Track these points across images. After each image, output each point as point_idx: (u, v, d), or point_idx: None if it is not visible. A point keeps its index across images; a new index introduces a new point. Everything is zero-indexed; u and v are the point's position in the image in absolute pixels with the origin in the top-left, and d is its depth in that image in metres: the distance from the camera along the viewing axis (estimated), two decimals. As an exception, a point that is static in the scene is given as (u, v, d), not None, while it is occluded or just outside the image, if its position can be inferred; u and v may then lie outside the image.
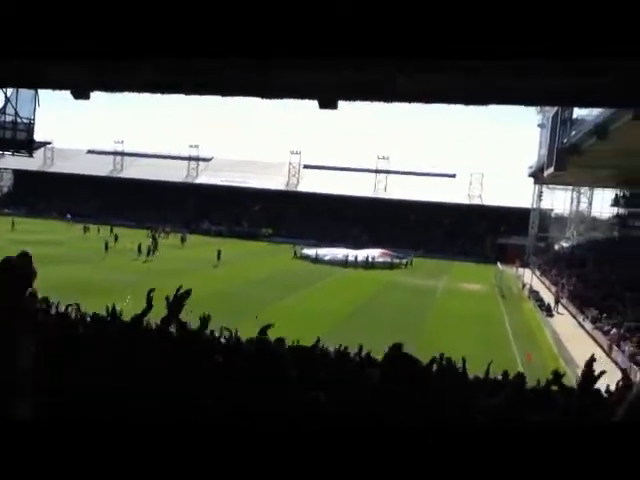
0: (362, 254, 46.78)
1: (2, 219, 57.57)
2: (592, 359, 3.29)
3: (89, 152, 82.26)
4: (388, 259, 47.51)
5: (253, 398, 1.91)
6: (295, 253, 48.77)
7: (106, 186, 73.42)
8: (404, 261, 48.16)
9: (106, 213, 66.33)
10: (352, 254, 46.82)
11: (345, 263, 45.05)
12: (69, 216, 62.60)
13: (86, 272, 30.88)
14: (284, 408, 1.57)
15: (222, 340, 7.79)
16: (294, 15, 1.21)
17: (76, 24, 1.27)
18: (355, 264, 44.80)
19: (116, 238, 43.66)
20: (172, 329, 3.29)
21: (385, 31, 1.18)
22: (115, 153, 77.62)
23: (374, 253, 47.87)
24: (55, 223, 60.14)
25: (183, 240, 50.60)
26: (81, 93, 6.88)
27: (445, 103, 5.12)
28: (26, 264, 2.41)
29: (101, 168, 75.68)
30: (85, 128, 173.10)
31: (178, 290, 3.26)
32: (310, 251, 48.50)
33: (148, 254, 39.37)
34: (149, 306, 3.62)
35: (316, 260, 46.10)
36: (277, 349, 2.77)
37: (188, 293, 3.28)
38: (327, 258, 46.49)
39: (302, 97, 6.64)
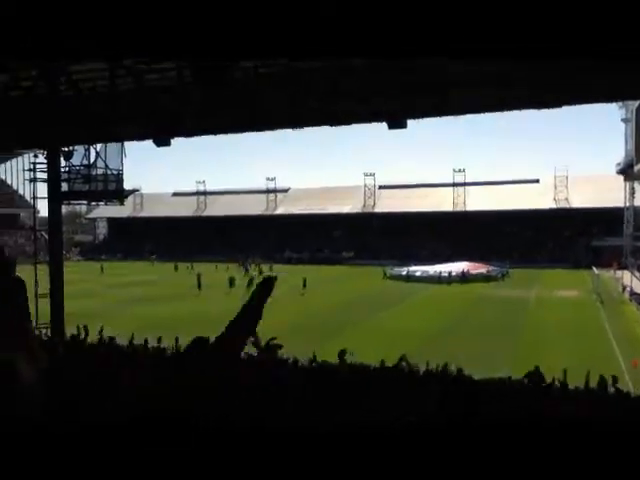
0: (455, 268, 45.42)
1: (96, 264, 61.48)
2: None
3: (174, 194, 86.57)
4: (483, 271, 46.00)
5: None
6: (385, 274, 47.83)
7: (191, 225, 76.78)
8: (499, 273, 46.42)
9: (193, 251, 69.14)
10: (445, 269, 45.44)
11: (439, 279, 43.70)
12: (154, 256, 65.95)
13: (184, 307, 32.22)
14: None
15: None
16: (276, 15, 1.25)
17: (84, 23, 1.32)
18: (449, 279, 43.33)
19: (198, 277, 43.02)
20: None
21: (371, 30, 1.22)
22: (198, 193, 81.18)
23: (466, 266, 46.43)
24: (143, 264, 63.38)
25: (261, 272, 51.38)
26: (162, 141, 7.35)
27: (516, 110, 5.05)
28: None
29: (186, 209, 79.37)
30: (169, 172, 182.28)
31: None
32: (401, 270, 47.75)
33: (231, 285, 40.23)
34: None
35: (408, 278, 45.13)
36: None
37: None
38: (419, 275, 45.53)
39: (370, 120, 6.75)
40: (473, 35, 1.18)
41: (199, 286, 39.89)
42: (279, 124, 6.70)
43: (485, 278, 44.55)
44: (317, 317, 28.45)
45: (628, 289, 35.78)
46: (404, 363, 6.99)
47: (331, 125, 6.73)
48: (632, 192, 55.87)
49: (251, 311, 1.46)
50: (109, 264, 65.63)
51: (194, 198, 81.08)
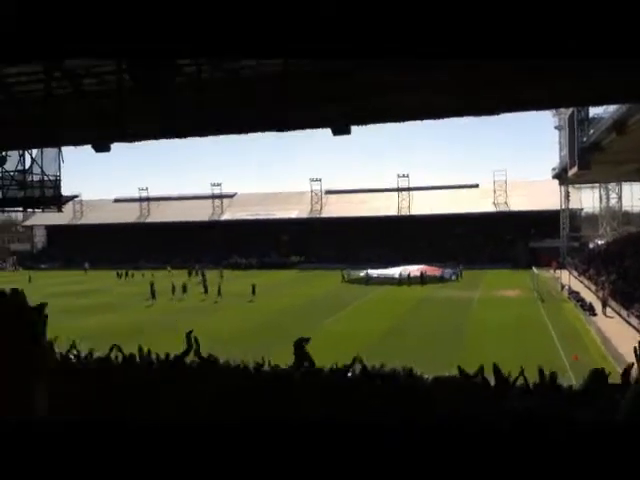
0: (413, 270, 46.40)
1: (33, 273, 59.25)
2: (629, 367, 3.24)
3: (116, 201, 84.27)
4: (437, 273, 47.23)
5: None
6: (343, 277, 48.30)
7: (134, 232, 74.89)
8: (453, 274, 47.96)
9: (137, 258, 67.50)
10: (404, 271, 46.34)
11: (399, 281, 44.77)
12: (87, 265, 63.88)
13: (131, 316, 31.35)
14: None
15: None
16: (276, 15, 1.23)
17: (85, 24, 1.29)
18: (408, 281, 44.37)
19: (152, 285, 41.41)
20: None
21: (370, 31, 1.21)
22: (140, 199, 79.29)
23: (423, 268, 47.52)
24: (75, 273, 61.39)
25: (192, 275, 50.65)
26: (101, 146, 7.13)
27: (455, 117, 5.16)
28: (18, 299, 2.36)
29: (128, 215, 77.38)
30: (111, 178, 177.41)
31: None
32: (360, 273, 48.19)
33: (182, 291, 39.67)
34: (189, 346, 3.73)
35: (368, 281, 45.75)
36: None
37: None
38: (379, 277, 46.31)
39: (316, 127, 6.76)
40: (473, 35, 1.18)
41: (153, 295, 38.77)
42: (224, 129, 6.61)
43: (441, 279, 46.00)
44: (267, 322, 28.30)
45: (566, 287, 37.31)
46: (358, 364, 6.99)
47: (277, 131, 6.68)
48: (567, 196, 58.42)
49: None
50: (44, 273, 63.44)
51: (137, 204, 79.16)
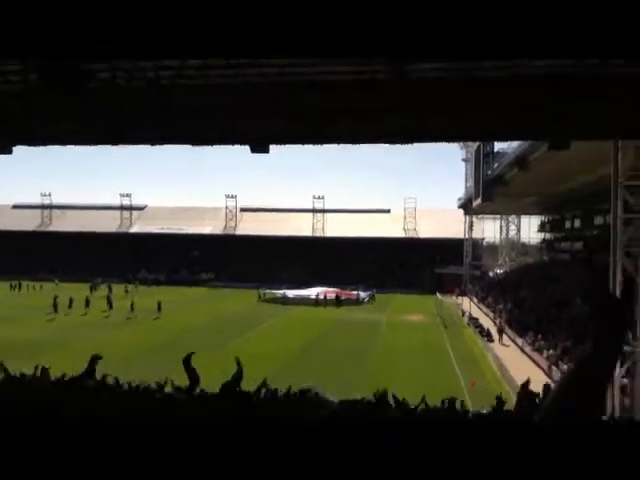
0: (329, 292, 47.72)
1: None
2: (526, 384, 3.39)
3: (15, 207, 79.07)
4: (353, 297, 48.64)
5: None
6: (260, 296, 48.43)
7: (34, 241, 70.43)
8: (368, 297, 49.92)
9: (36, 269, 63.51)
10: (320, 293, 47.58)
11: (315, 302, 45.64)
12: None
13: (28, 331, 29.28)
14: None
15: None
16: (275, 14, 1.22)
17: (73, 24, 1.23)
18: (325, 302, 45.49)
19: (55, 298, 38.73)
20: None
21: (370, 31, 1.21)
22: (43, 207, 74.94)
23: (339, 291, 48.80)
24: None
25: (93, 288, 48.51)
26: (3, 148, 6.68)
27: (370, 143, 5.30)
28: None
29: (28, 223, 72.77)
30: (10, 182, 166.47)
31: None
32: (277, 292, 48.82)
33: (87, 305, 37.95)
34: (195, 378, 3.23)
35: (285, 301, 46.24)
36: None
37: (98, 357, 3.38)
38: (297, 298, 46.93)
39: (234, 143, 6.71)
40: (473, 35, 1.19)
41: (55, 308, 36.81)
42: (137, 140, 6.41)
43: (356, 302, 47.70)
44: (173, 341, 27.41)
45: (467, 314, 39.03)
46: (264, 389, 6.86)
47: (193, 144, 6.57)
48: (470, 225, 61.46)
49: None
50: None
51: (38, 211, 74.66)
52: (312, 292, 48.45)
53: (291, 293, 48.54)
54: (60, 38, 1.27)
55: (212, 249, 68.30)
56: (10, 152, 6.21)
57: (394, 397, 5.53)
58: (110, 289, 44.36)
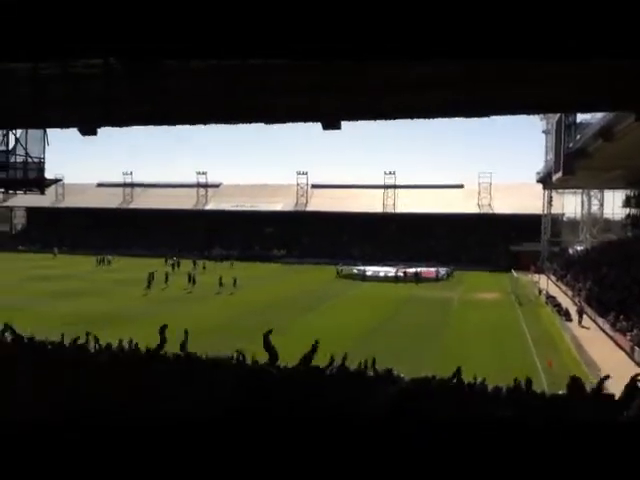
0: (409, 270, 47.66)
1: (17, 255, 58.82)
2: (603, 379, 3.28)
3: (99, 185, 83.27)
4: (432, 275, 48.26)
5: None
6: (338, 273, 49.03)
7: (116, 218, 74.12)
8: (446, 274, 49.55)
9: (118, 244, 66.93)
10: (401, 270, 47.67)
11: (396, 279, 45.89)
12: (55, 250, 63.25)
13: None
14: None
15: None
16: (277, 15, 1.23)
17: (82, 25, 1.28)
18: (404, 279, 45.66)
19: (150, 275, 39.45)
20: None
21: (370, 31, 1.20)
22: (124, 185, 78.39)
23: (418, 268, 48.72)
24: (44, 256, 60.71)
25: (174, 266, 49.80)
26: (88, 129, 7.02)
27: (446, 117, 5.17)
28: None
29: (111, 200, 76.53)
30: (95, 162, 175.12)
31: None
32: (356, 269, 49.37)
33: (166, 281, 39.47)
34: (163, 340, 3.74)
35: (364, 278, 46.65)
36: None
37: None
38: (376, 275, 47.31)
39: (306, 120, 6.72)
40: (473, 35, 1.17)
41: (149, 284, 38.37)
42: (212, 118, 6.55)
43: (435, 279, 47.45)
44: (248, 316, 28.24)
45: (544, 292, 37.75)
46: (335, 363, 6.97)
47: (266, 122, 6.63)
48: (550, 201, 58.99)
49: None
50: (22, 255, 62.90)
51: (120, 190, 78.23)
52: (391, 269, 48.62)
53: (370, 270, 48.77)
54: (64, 38, 1.30)
55: (284, 226, 69.32)
56: (95, 133, 6.50)
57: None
58: (195, 264, 47.31)
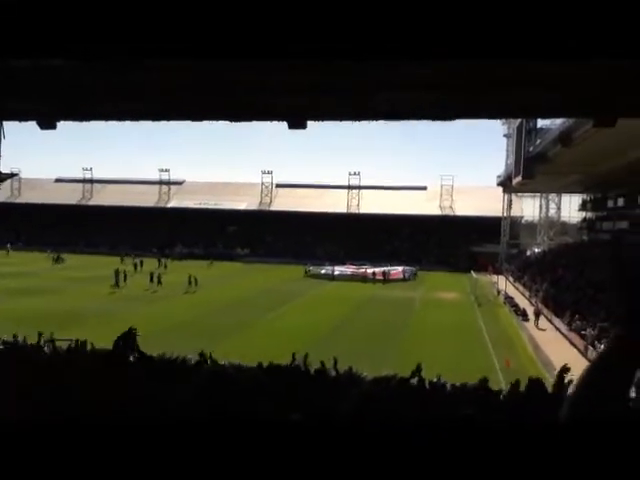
0: (376, 269, 48.42)
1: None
2: (563, 370, 3.36)
3: (57, 181, 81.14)
4: (399, 276, 49.11)
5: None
6: (306, 272, 49.38)
7: (75, 214, 72.34)
8: (412, 274, 50.41)
9: (76, 241, 65.41)
10: (368, 270, 48.46)
11: (364, 279, 46.40)
12: (9, 245, 60.99)
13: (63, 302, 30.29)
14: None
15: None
16: (275, 15, 1.22)
17: (71, 24, 1.26)
18: (373, 279, 46.33)
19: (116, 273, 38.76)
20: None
21: (370, 31, 1.21)
22: (84, 181, 76.64)
23: (386, 268, 49.40)
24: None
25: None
26: (47, 123, 6.84)
27: (413, 120, 5.23)
28: None
29: (70, 196, 74.67)
30: (53, 157, 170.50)
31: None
32: (324, 269, 49.87)
33: (125, 279, 38.65)
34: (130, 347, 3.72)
35: (333, 277, 47.24)
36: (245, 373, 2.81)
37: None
38: (344, 274, 47.91)
39: (271, 119, 6.71)
40: (473, 35, 1.18)
41: (117, 282, 37.62)
42: (178, 116, 6.48)
43: (402, 279, 48.44)
44: (210, 315, 27.98)
45: (502, 293, 38.58)
46: (297, 362, 7.01)
47: (231, 120, 6.59)
48: (509, 204, 60.32)
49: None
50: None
51: (79, 185, 76.40)
52: (359, 269, 49.43)
53: (338, 269, 49.43)
54: (60, 38, 1.28)
55: (248, 224, 68.96)
56: (54, 127, 6.35)
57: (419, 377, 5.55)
58: (160, 264, 47.07)
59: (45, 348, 8.53)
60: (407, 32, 1.20)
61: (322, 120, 5.44)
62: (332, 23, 1.18)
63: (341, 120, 4.89)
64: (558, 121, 26.31)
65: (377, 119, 4.47)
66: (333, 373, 7.54)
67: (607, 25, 1.19)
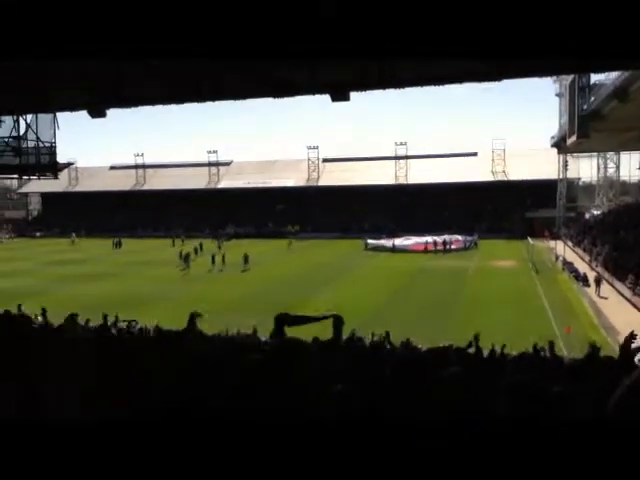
0: (439, 240, 48.00)
1: (38, 242, 59.54)
2: (631, 336, 3.23)
3: (112, 168, 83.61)
4: (460, 245, 48.67)
5: (268, 394, 1.96)
6: (365, 245, 49.52)
7: (130, 199, 74.58)
8: (472, 242, 49.63)
9: (133, 226, 67.51)
10: (430, 240, 47.99)
11: (425, 250, 46.42)
12: (74, 234, 62.94)
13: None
14: (304, 402, 1.59)
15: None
16: (276, 16, 1.22)
17: (82, 25, 1.28)
18: (434, 250, 46.27)
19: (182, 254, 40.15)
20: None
21: (370, 31, 1.19)
22: (136, 167, 78.61)
23: (447, 237, 48.97)
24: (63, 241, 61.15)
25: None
26: (96, 112, 7.02)
27: (458, 83, 5.09)
28: None
29: (124, 182, 76.94)
30: (107, 144, 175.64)
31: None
32: (384, 241, 49.92)
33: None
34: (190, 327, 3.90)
35: (394, 250, 47.20)
36: (297, 345, 2.83)
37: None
38: (407, 245, 47.95)
39: (314, 93, 6.66)
40: (473, 35, 1.16)
41: (187, 264, 38.27)
42: (223, 94, 6.52)
43: (463, 248, 48.03)
44: (274, 291, 28.46)
45: (561, 258, 37.47)
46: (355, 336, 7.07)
47: (274, 97, 6.58)
48: (565, 165, 58.07)
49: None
50: (39, 241, 63.65)
51: (132, 171, 78.52)
52: (420, 239, 48.86)
53: (398, 241, 49.17)
54: (60, 38, 1.29)
55: (296, 201, 69.23)
56: (104, 115, 6.51)
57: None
58: (219, 244, 48.04)
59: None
60: (409, 32, 1.17)
61: (365, 90, 5.36)
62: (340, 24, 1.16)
63: (384, 89, 4.81)
64: (612, 75, 25.02)
65: (419, 85, 4.37)
66: (388, 347, 7.57)
67: (607, 25, 1.14)
